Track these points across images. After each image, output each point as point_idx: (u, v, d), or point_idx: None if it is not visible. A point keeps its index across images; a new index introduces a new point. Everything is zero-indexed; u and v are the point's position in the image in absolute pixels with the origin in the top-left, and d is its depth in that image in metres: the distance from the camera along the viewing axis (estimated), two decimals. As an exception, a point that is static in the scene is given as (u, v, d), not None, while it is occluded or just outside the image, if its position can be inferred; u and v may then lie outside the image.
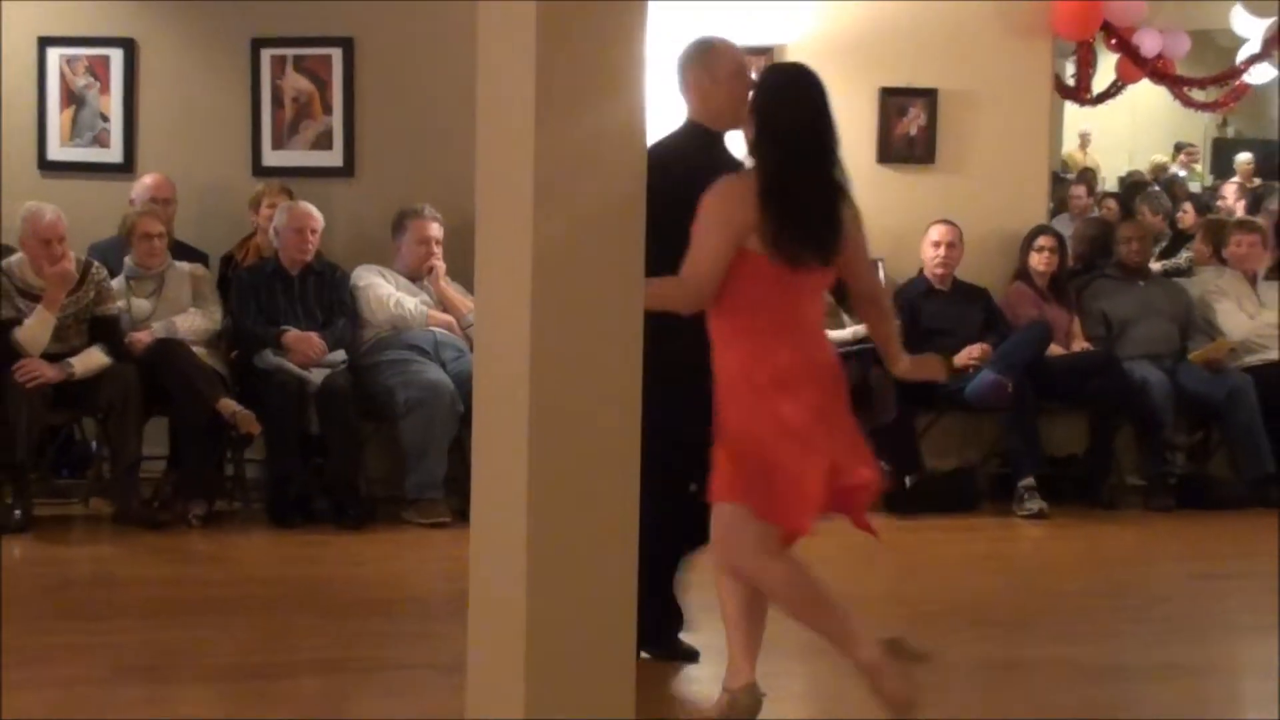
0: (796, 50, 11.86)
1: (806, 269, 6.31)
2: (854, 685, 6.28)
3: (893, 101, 12.05)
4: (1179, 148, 19.09)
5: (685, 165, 6.82)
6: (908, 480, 11.24)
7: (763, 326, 6.33)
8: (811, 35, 11.89)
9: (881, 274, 11.75)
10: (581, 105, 4.70)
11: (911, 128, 12.09)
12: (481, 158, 4.95)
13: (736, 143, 6.92)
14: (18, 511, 10.08)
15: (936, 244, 11.77)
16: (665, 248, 5.94)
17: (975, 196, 12.07)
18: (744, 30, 11.76)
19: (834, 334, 11.41)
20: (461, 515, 9.39)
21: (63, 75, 12.06)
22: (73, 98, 12.07)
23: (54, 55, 12.03)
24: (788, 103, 6.48)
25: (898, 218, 11.82)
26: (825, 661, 6.76)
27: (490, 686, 4.93)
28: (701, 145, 7.26)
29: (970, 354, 11.39)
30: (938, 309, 11.71)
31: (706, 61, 7.35)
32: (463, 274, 10.54)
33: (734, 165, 6.99)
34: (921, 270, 11.82)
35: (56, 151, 12.08)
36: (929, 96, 12.03)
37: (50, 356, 10.14)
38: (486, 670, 4.97)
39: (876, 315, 6.98)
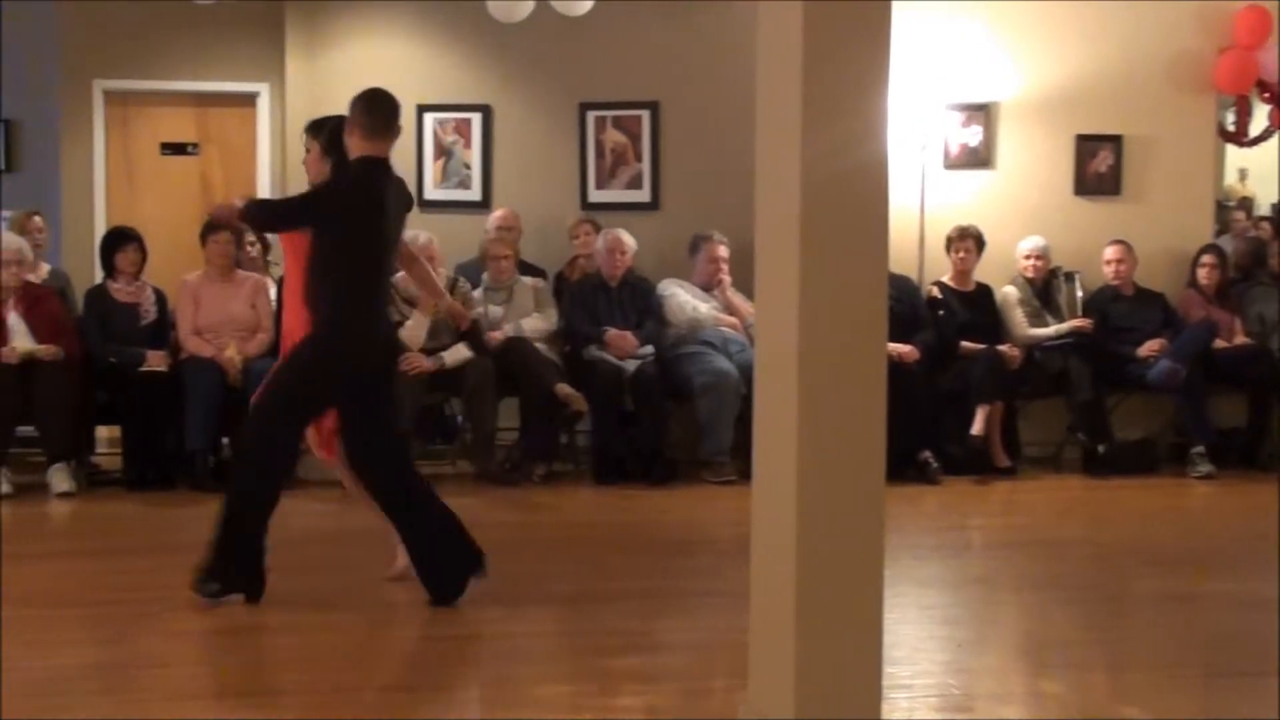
0: (1008, 106, 11.71)
1: None
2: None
3: (1086, 145, 11.82)
4: (1323, 180, 18.53)
5: None
6: (1101, 448, 11.05)
7: None
8: (1019, 93, 11.73)
9: (1078, 285, 11.56)
10: (841, 123, 4.70)
11: (1101, 166, 11.86)
12: (759, 184, 4.96)
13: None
14: (402, 470, 10.25)
15: (1109, 261, 11.57)
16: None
17: (1153, 221, 11.82)
18: (961, 89, 11.67)
19: (1036, 330, 11.26)
20: (744, 475, 9.36)
21: (435, 134, 12.23)
22: (443, 151, 12.23)
23: (429, 118, 12.21)
24: None
25: (1092, 238, 11.66)
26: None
27: (768, 609, 4.93)
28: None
29: (1151, 347, 11.18)
30: (1124, 310, 11.49)
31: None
32: (745, 285, 10.53)
33: None
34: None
35: (431, 192, 12.25)
36: (1116, 141, 11.80)
37: (426, 351, 10.30)
38: (765, 596, 4.96)
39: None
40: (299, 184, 12.17)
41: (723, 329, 10.86)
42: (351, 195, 7.08)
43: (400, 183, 7.29)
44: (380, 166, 7.13)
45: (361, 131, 7.09)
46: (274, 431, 7.09)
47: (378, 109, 7.15)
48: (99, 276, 10.80)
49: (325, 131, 7.42)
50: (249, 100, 12.63)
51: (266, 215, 7.48)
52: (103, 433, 10.75)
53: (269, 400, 7.11)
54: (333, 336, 7.02)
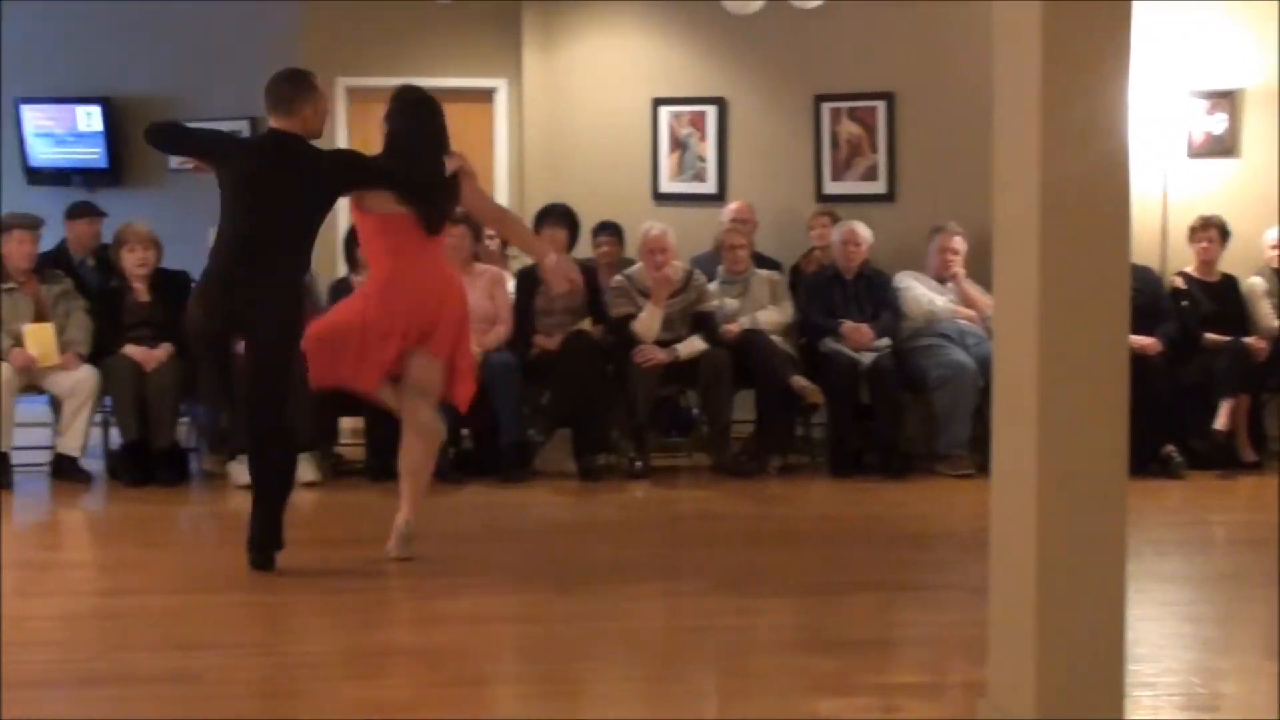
0: (1254, 93, 11.44)
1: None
2: None
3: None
4: None
5: None
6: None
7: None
8: (1266, 79, 11.43)
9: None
10: (1081, 120, 4.66)
11: (1359, 151, 11.51)
12: (997, 175, 4.92)
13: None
14: (639, 462, 10.33)
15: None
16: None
17: None
18: (1206, 76, 11.42)
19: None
20: (981, 469, 9.29)
21: (671, 127, 12.32)
22: (678, 144, 12.32)
23: (664, 112, 12.32)
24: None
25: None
26: None
27: (1008, 604, 4.89)
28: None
29: None
30: None
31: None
32: (983, 276, 10.43)
33: None
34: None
35: (666, 185, 12.37)
36: (1376, 124, 11.44)
37: (661, 343, 10.36)
38: (1005, 591, 4.92)
39: (506, 228, 8.55)
40: (535, 177, 12.45)
41: (960, 321, 10.77)
42: (234, 150, 7.71)
43: (314, 156, 7.60)
44: (270, 136, 7.59)
45: (264, 104, 7.61)
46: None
47: (270, 85, 7.58)
48: (342, 270, 11.02)
49: (389, 103, 7.80)
50: (486, 96, 12.80)
51: (160, 133, 7.74)
52: (346, 424, 10.97)
53: None
54: (198, 291, 7.67)
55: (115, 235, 10.58)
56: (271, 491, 7.47)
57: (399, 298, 7.59)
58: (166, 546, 7.82)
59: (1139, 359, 9.85)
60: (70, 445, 10.06)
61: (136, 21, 12.90)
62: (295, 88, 7.54)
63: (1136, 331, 9.85)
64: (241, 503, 9.27)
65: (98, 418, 10.30)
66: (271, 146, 7.55)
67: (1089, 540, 4.71)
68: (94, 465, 10.22)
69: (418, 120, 7.74)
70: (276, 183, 7.43)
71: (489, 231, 11.06)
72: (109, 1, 12.89)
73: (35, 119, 13.09)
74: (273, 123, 7.55)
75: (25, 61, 13.10)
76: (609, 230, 11.49)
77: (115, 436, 10.37)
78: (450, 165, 7.72)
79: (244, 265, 7.39)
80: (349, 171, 7.67)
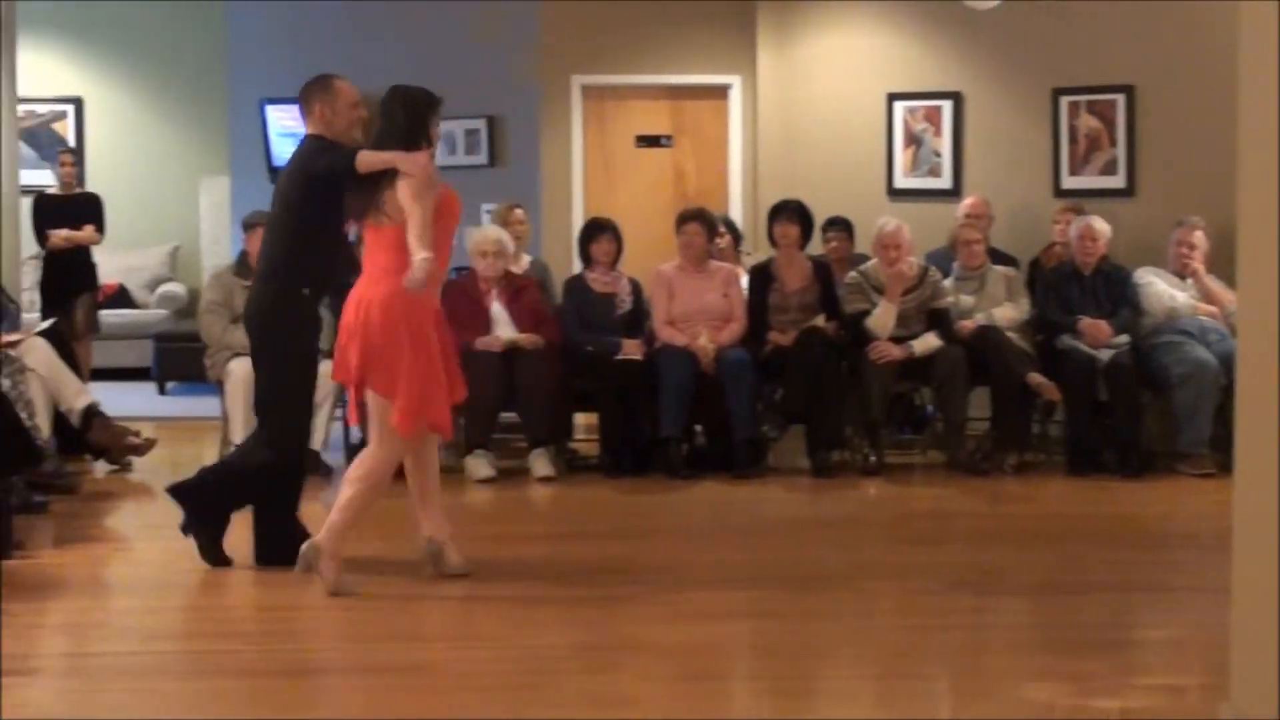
0: None
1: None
2: None
3: None
4: None
5: None
6: None
7: None
8: None
9: None
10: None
11: None
12: (1242, 170, 4.84)
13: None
14: (873, 458, 10.28)
15: None
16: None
17: None
18: None
19: None
20: (1223, 468, 9.11)
21: (905, 122, 12.25)
22: (913, 139, 12.25)
23: (899, 107, 12.26)
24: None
25: None
26: None
27: (1251, 605, 4.80)
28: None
29: None
30: None
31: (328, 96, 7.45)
32: (1228, 271, 10.22)
33: None
34: None
35: (901, 181, 12.31)
36: None
37: (896, 340, 10.30)
38: (1248, 592, 4.84)
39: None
40: (769, 173, 12.47)
41: (1201, 318, 10.56)
42: None
43: (304, 151, 7.49)
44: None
45: None
46: None
47: None
48: (577, 267, 11.11)
49: None
50: (721, 93, 12.85)
51: None
52: (580, 419, 11.08)
53: None
54: None
55: (357, 234, 10.77)
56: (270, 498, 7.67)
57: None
58: (400, 539, 7.93)
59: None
60: (312, 440, 10.25)
61: (377, 22, 13.14)
62: (310, 88, 7.58)
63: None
64: (478, 496, 9.47)
65: (339, 412, 10.50)
66: (293, 153, 7.69)
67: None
68: (335, 459, 10.42)
69: (382, 115, 7.69)
70: (277, 187, 7.63)
71: (720, 229, 11.11)
72: (350, 1, 13.16)
73: (280, 119, 13.41)
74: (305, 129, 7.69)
75: (271, 63, 13.46)
76: (838, 225, 11.46)
77: (355, 432, 10.56)
78: (375, 158, 7.22)
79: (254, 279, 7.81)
80: (308, 161, 7.46)
